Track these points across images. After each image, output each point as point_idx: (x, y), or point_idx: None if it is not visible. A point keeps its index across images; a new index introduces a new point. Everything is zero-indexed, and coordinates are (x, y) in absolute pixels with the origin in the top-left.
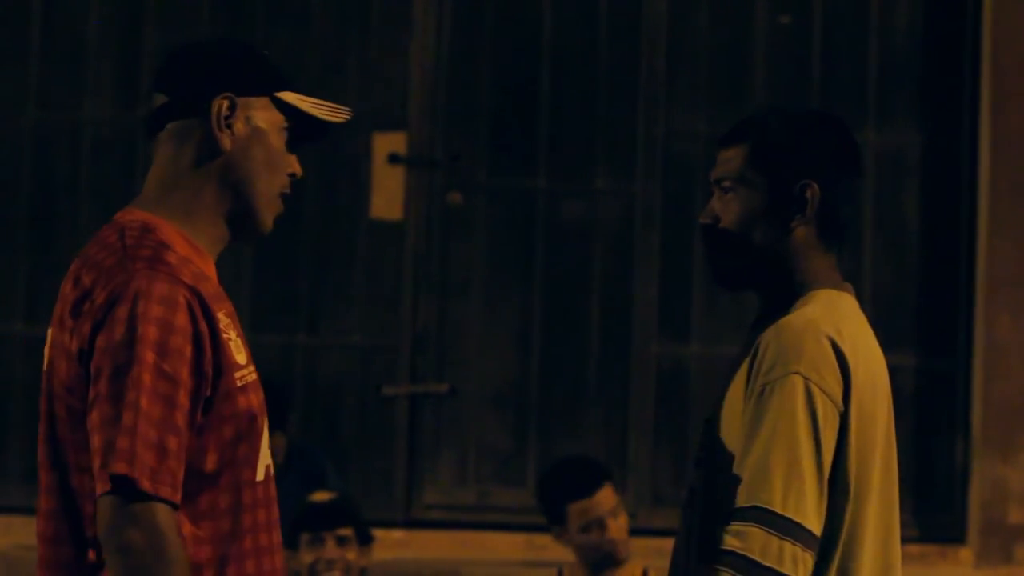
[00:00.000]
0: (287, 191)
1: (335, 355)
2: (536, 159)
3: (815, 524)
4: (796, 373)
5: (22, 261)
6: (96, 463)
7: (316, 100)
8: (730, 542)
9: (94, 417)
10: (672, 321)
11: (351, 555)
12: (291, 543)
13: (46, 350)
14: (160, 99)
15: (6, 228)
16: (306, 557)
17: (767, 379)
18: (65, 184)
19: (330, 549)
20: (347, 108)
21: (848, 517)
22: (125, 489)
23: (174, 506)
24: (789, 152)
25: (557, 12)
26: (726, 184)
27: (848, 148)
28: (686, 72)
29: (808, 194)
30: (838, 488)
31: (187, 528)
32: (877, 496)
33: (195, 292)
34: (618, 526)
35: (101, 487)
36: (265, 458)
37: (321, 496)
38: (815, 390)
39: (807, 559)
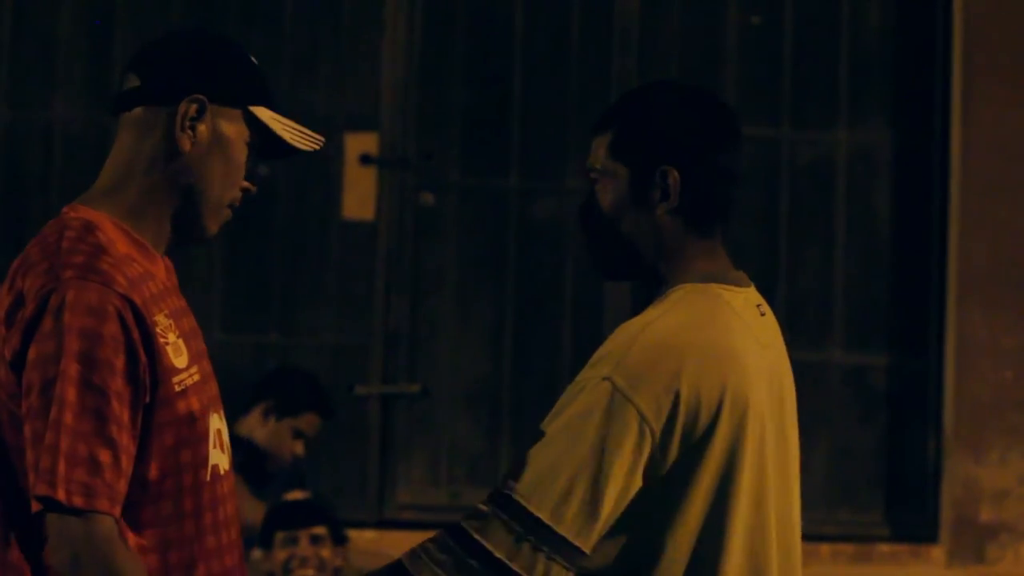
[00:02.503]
0: (237, 204)
1: (307, 354)
2: (508, 158)
3: (574, 535)
4: (608, 379)
5: None
6: (30, 479)
7: (289, 122)
8: (470, 521)
9: (27, 431)
10: None
11: (325, 553)
12: (266, 542)
13: None
14: (133, 80)
15: None
16: (280, 555)
17: (586, 374)
18: (37, 183)
19: (303, 547)
20: (319, 137)
21: (690, 530)
22: (52, 508)
23: (114, 519)
24: (647, 137)
25: (529, 11)
26: (593, 175)
27: (718, 124)
28: (657, 71)
29: (669, 180)
30: (658, 505)
31: (130, 539)
32: (744, 504)
33: (127, 300)
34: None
35: (35, 506)
36: (213, 458)
37: (295, 495)
38: (622, 402)
39: (552, 566)
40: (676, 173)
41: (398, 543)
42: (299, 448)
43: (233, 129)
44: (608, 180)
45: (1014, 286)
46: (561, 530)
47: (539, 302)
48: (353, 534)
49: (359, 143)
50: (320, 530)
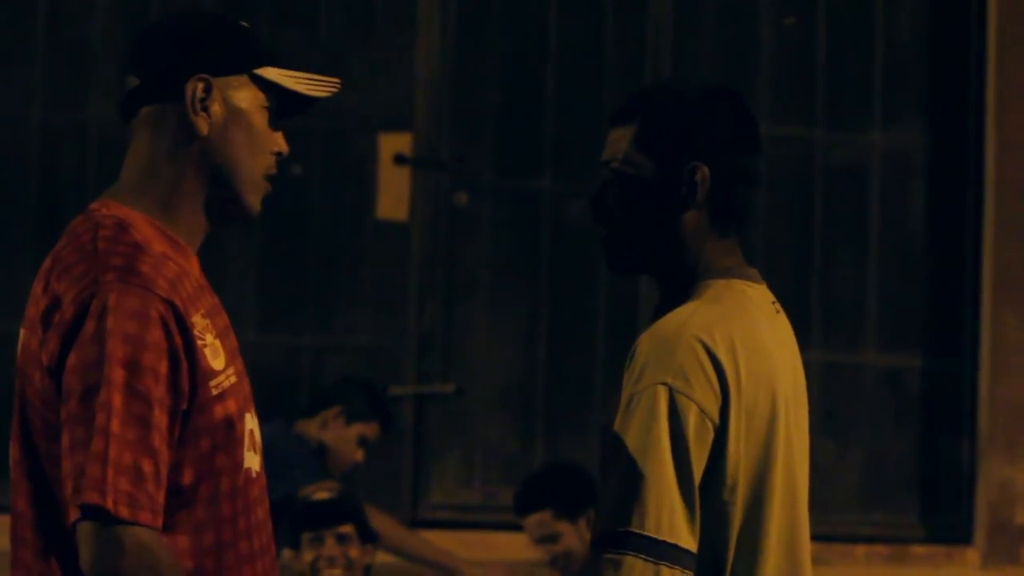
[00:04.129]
0: (273, 171)
1: (341, 355)
2: (542, 160)
3: (690, 542)
4: (662, 383)
5: (28, 262)
6: (68, 488)
7: (299, 74)
8: (606, 573)
9: (65, 439)
10: None
11: (353, 552)
12: (293, 542)
13: (19, 351)
14: (132, 81)
15: (12, 228)
16: (307, 555)
17: (635, 389)
18: (71, 184)
19: (330, 547)
20: (335, 79)
21: (737, 529)
22: (99, 518)
23: (156, 530)
24: (677, 133)
25: (563, 12)
26: (615, 166)
27: (743, 125)
28: (691, 72)
29: (698, 177)
30: (719, 499)
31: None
32: (780, 503)
33: (169, 304)
34: (549, 552)
35: (73, 514)
36: (247, 461)
37: (321, 494)
38: (682, 401)
39: None
40: (706, 170)
41: (432, 542)
42: (360, 456)
43: (245, 97)
44: (632, 173)
45: None
46: (683, 544)
47: (573, 302)
48: None
49: (393, 143)
50: (347, 529)
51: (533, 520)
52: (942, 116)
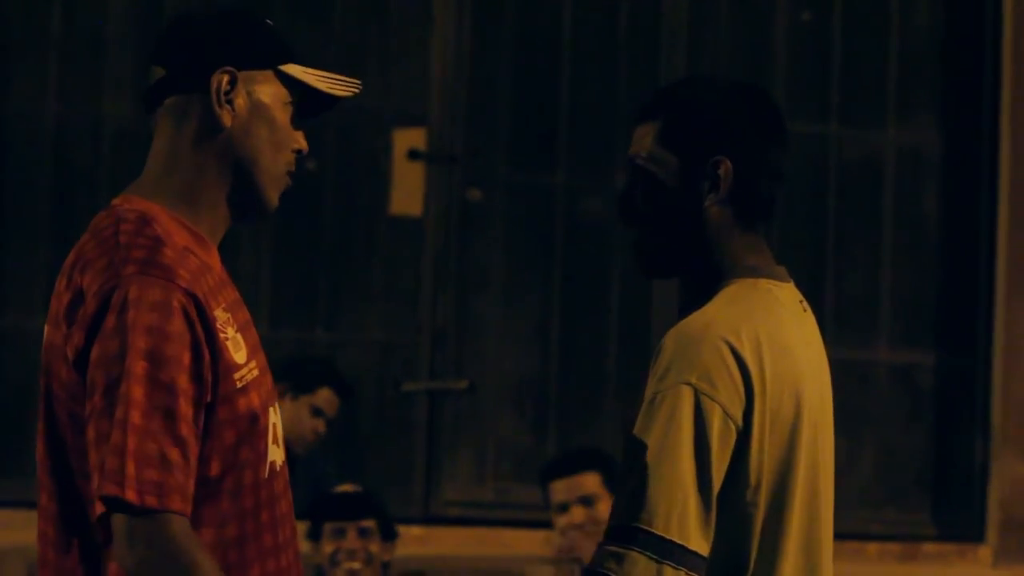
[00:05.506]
0: (292, 168)
1: (354, 351)
2: (556, 155)
3: (700, 545)
4: (686, 384)
5: (43, 257)
6: (94, 482)
7: (322, 72)
8: (608, 565)
9: (90, 433)
10: None
11: (374, 547)
12: (315, 534)
13: (43, 348)
14: (159, 72)
15: (27, 223)
16: (327, 547)
17: (658, 387)
18: (86, 179)
19: (351, 540)
20: (356, 80)
21: (759, 530)
22: (121, 509)
23: (186, 517)
24: (700, 128)
25: (577, 7)
26: (639, 162)
27: (768, 120)
28: (706, 68)
29: (721, 171)
30: (742, 501)
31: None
32: (800, 503)
33: (191, 295)
34: (585, 515)
35: (98, 508)
36: (271, 454)
37: (346, 487)
38: (706, 402)
39: None
40: (728, 164)
41: (444, 539)
42: (320, 426)
43: (269, 92)
44: (656, 169)
45: None
46: (692, 546)
47: (586, 298)
48: (399, 530)
49: (407, 139)
50: (369, 523)
51: (582, 480)
52: (956, 113)
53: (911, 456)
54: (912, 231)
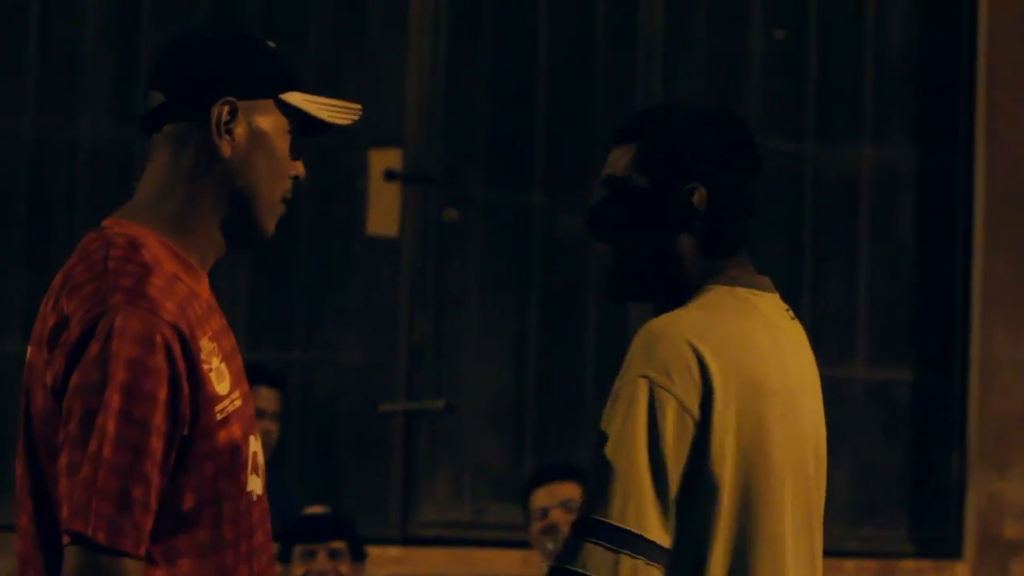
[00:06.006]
0: (289, 196)
1: (331, 371)
2: (532, 174)
3: (660, 535)
4: (643, 376)
5: (18, 278)
6: (64, 510)
7: (323, 100)
8: (566, 557)
9: (63, 460)
10: None
11: (344, 568)
12: (284, 556)
13: (25, 366)
14: (157, 98)
15: (2, 244)
16: (298, 569)
17: (620, 382)
18: (62, 200)
19: (321, 561)
20: (357, 106)
21: (724, 526)
22: (83, 543)
23: (137, 559)
24: (676, 154)
25: (553, 27)
26: (613, 182)
27: (744, 151)
28: (682, 87)
29: (695, 199)
30: (701, 496)
31: (162, 571)
32: (790, 511)
33: (175, 329)
34: (565, 520)
35: (65, 538)
36: (250, 485)
37: (315, 509)
38: (661, 394)
39: (651, 572)
40: (703, 192)
41: (422, 560)
42: (272, 428)
43: (269, 121)
44: (629, 191)
45: None
46: (651, 536)
47: (563, 318)
48: (376, 551)
49: (383, 159)
50: (339, 545)
51: (563, 487)
52: (932, 131)
53: (888, 473)
54: (888, 248)
